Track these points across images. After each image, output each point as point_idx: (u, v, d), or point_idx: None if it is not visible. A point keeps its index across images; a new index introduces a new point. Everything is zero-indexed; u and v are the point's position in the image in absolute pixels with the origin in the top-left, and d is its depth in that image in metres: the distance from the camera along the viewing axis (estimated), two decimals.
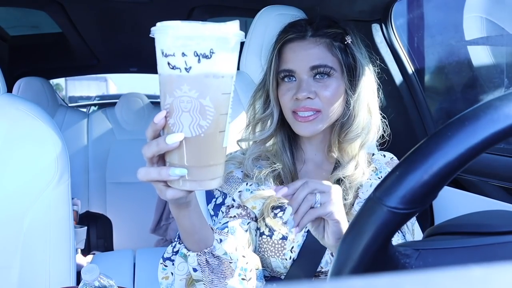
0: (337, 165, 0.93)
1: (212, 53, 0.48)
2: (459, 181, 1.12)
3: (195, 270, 0.71)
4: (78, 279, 1.01)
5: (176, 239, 0.75)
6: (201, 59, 0.47)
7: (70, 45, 2.44)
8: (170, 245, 0.76)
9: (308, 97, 0.86)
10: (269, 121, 0.92)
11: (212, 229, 0.75)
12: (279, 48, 0.91)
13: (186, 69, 0.48)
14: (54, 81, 5.07)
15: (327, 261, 0.85)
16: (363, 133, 0.90)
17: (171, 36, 0.47)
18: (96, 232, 2.58)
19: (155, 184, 0.57)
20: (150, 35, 0.50)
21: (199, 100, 0.49)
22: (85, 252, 2.27)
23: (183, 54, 0.47)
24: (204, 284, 0.72)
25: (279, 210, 0.88)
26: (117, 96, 3.38)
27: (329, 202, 0.66)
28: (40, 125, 1.05)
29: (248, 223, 0.87)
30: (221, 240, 0.74)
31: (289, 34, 0.91)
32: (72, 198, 1.12)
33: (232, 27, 0.49)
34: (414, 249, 0.43)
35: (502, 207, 0.96)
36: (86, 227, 1.94)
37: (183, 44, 0.47)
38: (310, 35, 0.89)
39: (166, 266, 0.76)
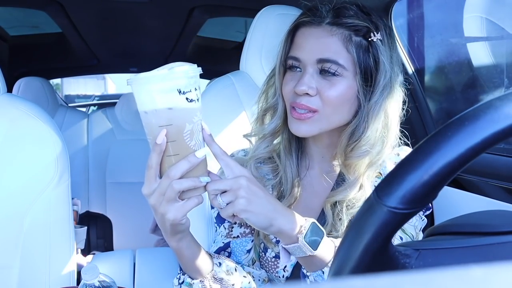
0: (340, 177, 0.83)
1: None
2: (459, 181, 1.12)
3: None
4: (78, 279, 1.01)
5: (179, 271, 0.77)
6: (199, 90, 0.62)
7: (70, 45, 2.44)
8: (176, 278, 0.79)
9: (307, 93, 0.75)
10: (276, 113, 0.83)
11: (211, 255, 0.77)
12: (292, 31, 0.80)
13: (197, 99, 0.62)
14: (53, 81, 5.07)
15: None
16: (373, 151, 0.77)
17: (186, 77, 0.60)
18: (96, 232, 2.58)
19: (172, 204, 0.62)
20: (156, 76, 0.60)
21: (201, 120, 0.64)
22: (85, 252, 2.27)
23: (195, 89, 0.61)
24: None
25: None
26: (117, 96, 3.38)
27: (233, 202, 0.63)
28: (40, 125, 1.05)
29: (252, 240, 0.85)
30: (220, 264, 0.77)
31: (304, 17, 0.79)
32: (72, 198, 1.12)
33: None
34: (414, 249, 0.43)
35: (502, 207, 0.96)
36: (86, 227, 1.93)
37: (195, 81, 0.61)
38: (327, 22, 0.76)
39: None
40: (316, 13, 0.78)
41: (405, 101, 0.81)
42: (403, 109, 0.81)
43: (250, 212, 0.63)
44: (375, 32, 0.75)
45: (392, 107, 0.78)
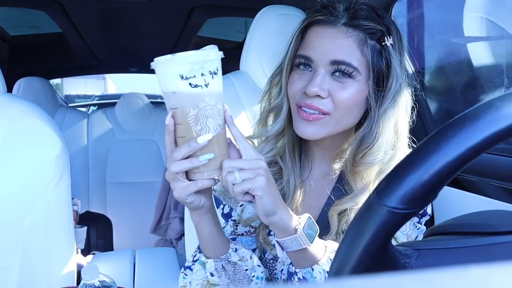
0: (340, 181, 0.83)
1: (218, 70, 0.63)
2: (459, 181, 1.12)
3: (212, 275, 0.75)
4: (78, 279, 1.01)
5: (196, 249, 0.79)
6: (214, 76, 0.62)
7: (70, 45, 2.44)
8: (191, 255, 0.80)
9: (318, 95, 0.73)
10: (280, 113, 0.81)
11: (229, 240, 0.78)
12: (303, 28, 0.78)
13: (205, 85, 0.61)
14: (53, 81, 5.07)
15: None
16: (384, 159, 0.75)
17: (190, 62, 0.60)
18: (96, 232, 2.58)
19: (177, 183, 0.63)
20: (162, 60, 0.61)
21: (216, 106, 0.63)
22: (85, 252, 2.27)
23: (202, 74, 0.61)
24: None
25: None
26: (117, 96, 3.38)
27: (249, 178, 0.63)
28: (40, 125, 1.05)
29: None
30: (236, 249, 0.77)
31: (318, 15, 0.75)
32: (72, 198, 1.12)
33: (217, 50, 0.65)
34: (414, 249, 0.43)
35: (502, 207, 0.96)
36: (86, 227, 1.93)
37: (202, 67, 0.61)
38: (343, 22, 0.74)
39: (186, 274, 0.79)
40: (333, 12, 0.75)
41: (413, 107, 0.80)
42: (412, 113, 0.80)
43: (266, 192, 0.64)
44: (388, 37, 0.74)
45: (402, 113, 0.77)
